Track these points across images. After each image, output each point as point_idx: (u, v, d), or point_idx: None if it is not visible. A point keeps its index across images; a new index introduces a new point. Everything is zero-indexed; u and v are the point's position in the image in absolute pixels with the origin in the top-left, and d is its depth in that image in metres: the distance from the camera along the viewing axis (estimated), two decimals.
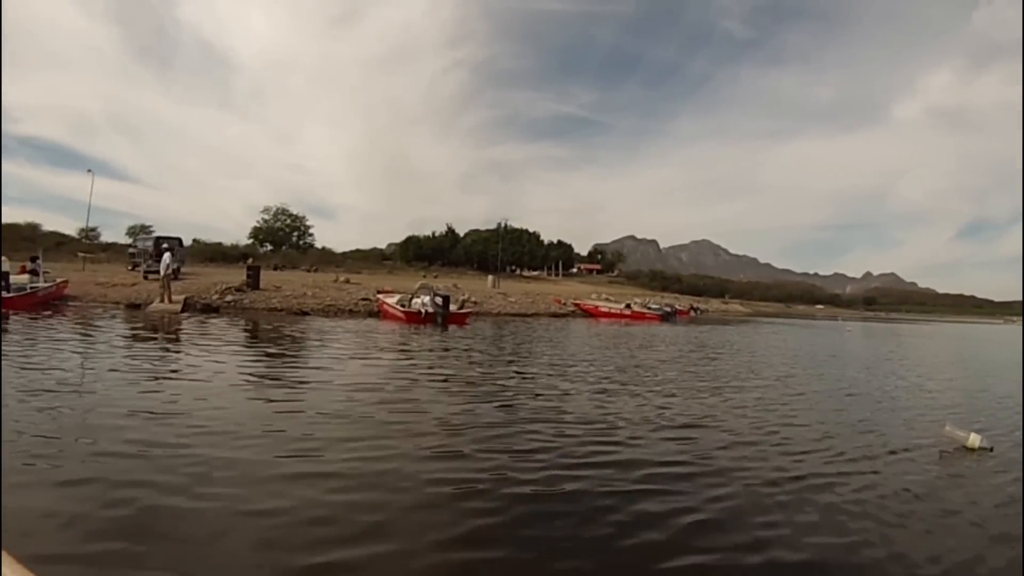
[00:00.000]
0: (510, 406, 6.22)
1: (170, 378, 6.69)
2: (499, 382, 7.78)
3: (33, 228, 38.99)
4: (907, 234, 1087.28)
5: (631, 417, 5.95)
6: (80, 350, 8.40)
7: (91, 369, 7.06)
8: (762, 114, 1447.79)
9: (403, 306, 17.55)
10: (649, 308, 31.42)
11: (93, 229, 47.05)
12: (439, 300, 16.98)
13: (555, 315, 27.28)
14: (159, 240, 24.40)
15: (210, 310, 16.92)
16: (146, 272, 21.89)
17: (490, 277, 42.43)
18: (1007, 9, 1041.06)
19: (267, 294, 19.95)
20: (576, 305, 30.81)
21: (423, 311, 16.67)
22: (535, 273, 67.08)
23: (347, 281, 26.62)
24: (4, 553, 0.97)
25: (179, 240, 26.57)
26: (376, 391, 6.58)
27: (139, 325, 12.36)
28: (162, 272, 16.69)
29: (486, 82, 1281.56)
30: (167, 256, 16.88)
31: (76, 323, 11.93)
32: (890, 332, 36.07)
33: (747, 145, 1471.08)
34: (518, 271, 70.54)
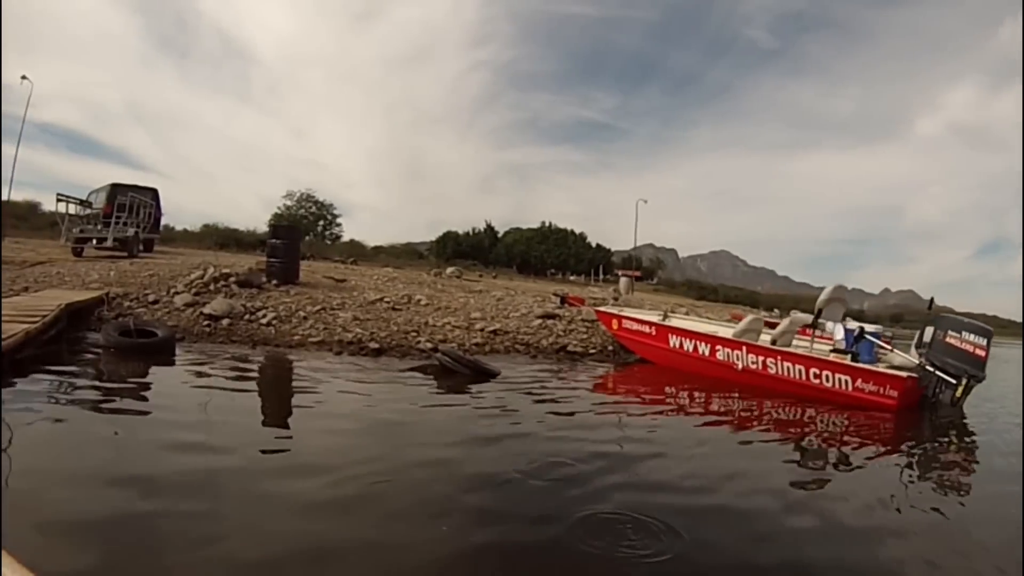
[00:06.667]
0: None
1: None
2: None
3: (31, 207, 32.86)
4: (923, 251, 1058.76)
5: None
6: None
7: None
8: (780, 125, 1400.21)
9: (858, 360, 5.88)
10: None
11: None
12: (979, 343, 5.54)
13: None
14: (116, 190, 12.63)
15: (144, 349, 5.09)
16: (76, 242, 11.63)
17: (623, 280, 29.17)
18: None
19: (318, 297, 7.86)
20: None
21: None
22: (573, 278, 58.20)
23: (459, 276, 14.71)
24: (4, 553, 0.94)
25: (154, 192, 14.28)
26: None
27: None
28: None
29: (507, 84, 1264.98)
30: None
31: None
32: None
33: (765, 156, 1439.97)
34: (559, 275, 62.98)
